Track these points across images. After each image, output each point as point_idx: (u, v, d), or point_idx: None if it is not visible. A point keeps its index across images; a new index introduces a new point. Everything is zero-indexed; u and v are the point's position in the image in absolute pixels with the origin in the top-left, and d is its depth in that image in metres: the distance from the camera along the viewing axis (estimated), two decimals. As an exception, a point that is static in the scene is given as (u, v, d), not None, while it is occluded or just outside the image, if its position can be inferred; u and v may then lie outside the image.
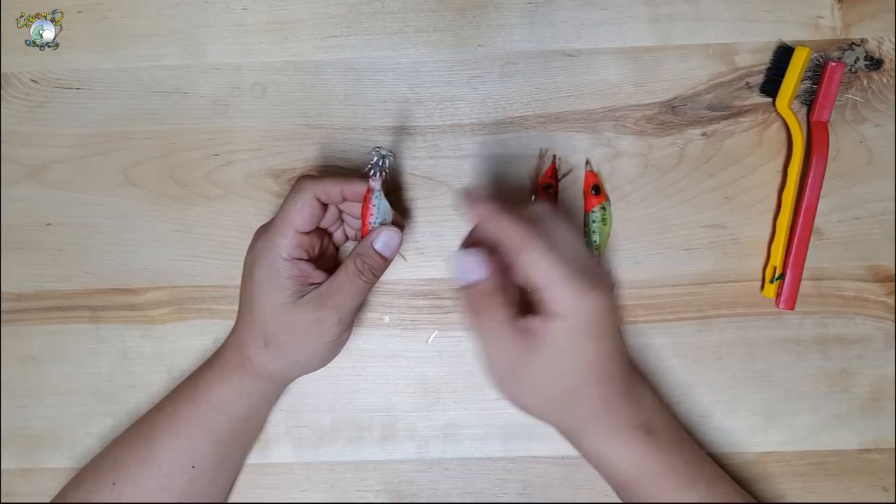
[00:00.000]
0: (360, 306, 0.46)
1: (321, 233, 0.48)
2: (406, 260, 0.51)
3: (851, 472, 0.51)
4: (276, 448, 0.52)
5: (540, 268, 0.40)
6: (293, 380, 0.51)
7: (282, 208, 0.46)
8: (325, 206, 0.47)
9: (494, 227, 0.42)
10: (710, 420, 0.52)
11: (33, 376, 0.53)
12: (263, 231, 0.47)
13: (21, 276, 0.53)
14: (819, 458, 0.52)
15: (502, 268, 0.43)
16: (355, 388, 0.52)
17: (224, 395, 0.47)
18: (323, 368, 0.52)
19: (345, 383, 0.52)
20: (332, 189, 0.45)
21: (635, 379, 0.46)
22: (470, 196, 0.43)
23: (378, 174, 0.45)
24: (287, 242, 0.45)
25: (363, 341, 0.52)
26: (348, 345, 0.52)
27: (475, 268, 0.42)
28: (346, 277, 0.45)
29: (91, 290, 0.53)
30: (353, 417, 0.52)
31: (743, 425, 0.52)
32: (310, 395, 0.52)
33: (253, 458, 0.52)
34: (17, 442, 0.53)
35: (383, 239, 0.45)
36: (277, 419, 0.52)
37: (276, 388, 0.49)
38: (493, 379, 0.43)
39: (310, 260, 0.46)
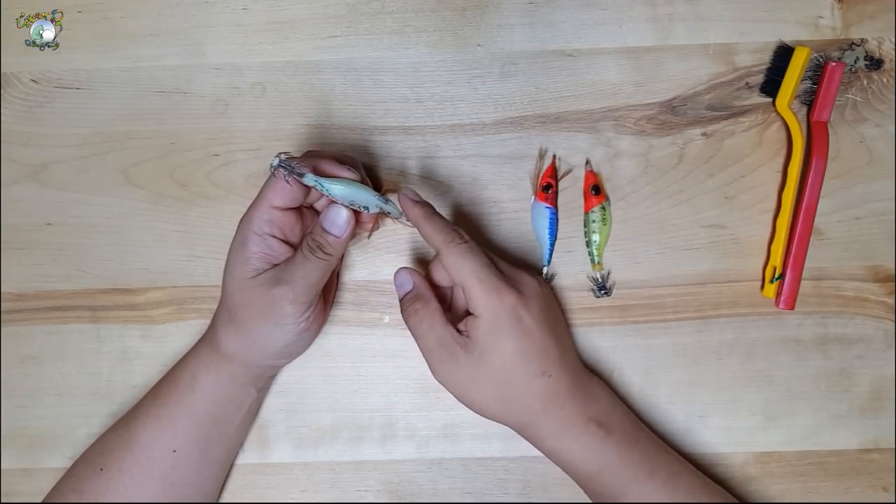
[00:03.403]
0: (318, 287, 0.45)
1: (303, 216, 0.48)
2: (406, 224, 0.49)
3: (851, 472, 0.51)
4: (276, 448, 0.52)
5: (460, 268, 0.44)
6: (262, 368, 0.49)
7: (263, 184, 0.46)
8: (306, 186, 0.46)
9: (425, 228, 0.46)
10: (710, 420, 0.52)
11: (33, 376, 0.53)
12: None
13: (21, 276, 0.53)
14: (819, 458, 0.52)
15: (439, 284, 0.48)
16: (355, 388, 0.52)
17: (196, 372, 0.47)
18: (324, 368, 0.52)
19: (345, 383, 0.52)
20: (305, 165, 0.45)
21: (585, 377, 0.48)
22: (407, 197, 0.46)
23: (282, 174, 0.44)
24: (259, 215, 0.45)
25: (363, 341, 0.52)
26: (348, 344, 0.52)
27: (405, 280, 0.47)
28: (299, 255, 0.45)
29: (91, 290, 0.53)
30: (353, 417, 0.52)
31: (743, 425, 0.52)
32: (310, 395, 0.52)
33: (253, 458, 0.52)
34: (17, 442, 0.53)
35: (329, 216, 0.45)
36: (277, 419, 0.52)
37: (244, 372, 0.48)
38: (438, 380, 0.46)
39: (286, 241, 0.46)
